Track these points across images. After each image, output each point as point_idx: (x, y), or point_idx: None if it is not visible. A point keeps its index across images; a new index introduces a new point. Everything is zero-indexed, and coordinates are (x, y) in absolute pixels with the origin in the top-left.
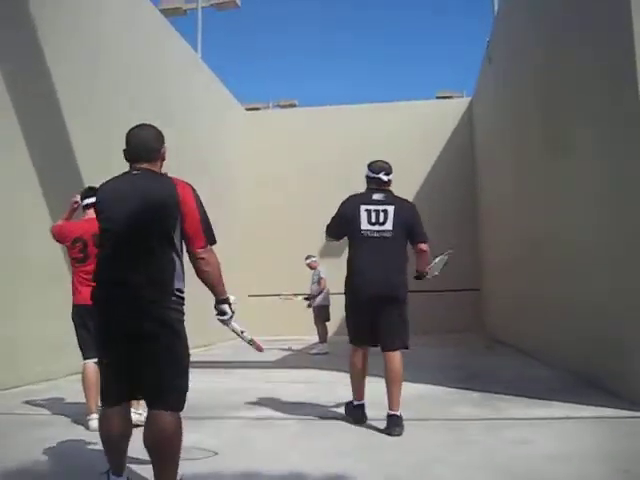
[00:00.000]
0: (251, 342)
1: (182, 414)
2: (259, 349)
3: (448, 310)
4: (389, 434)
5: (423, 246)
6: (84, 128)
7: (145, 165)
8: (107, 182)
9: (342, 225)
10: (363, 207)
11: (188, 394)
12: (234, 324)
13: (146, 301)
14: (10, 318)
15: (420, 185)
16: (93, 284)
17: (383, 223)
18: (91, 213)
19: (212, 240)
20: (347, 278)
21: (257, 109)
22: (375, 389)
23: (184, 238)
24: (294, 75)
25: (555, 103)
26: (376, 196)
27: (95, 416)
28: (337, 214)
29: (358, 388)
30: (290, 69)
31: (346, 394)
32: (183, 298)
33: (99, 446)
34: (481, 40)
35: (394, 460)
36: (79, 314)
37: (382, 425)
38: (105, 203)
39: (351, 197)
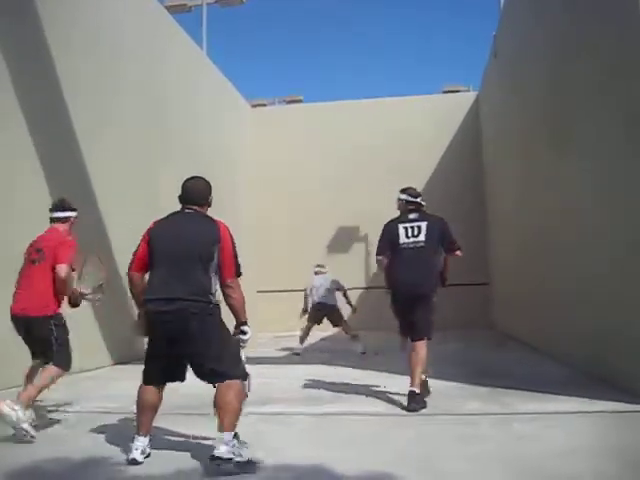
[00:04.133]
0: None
1: (195, 411)
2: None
3: (458, 306)
4: (406, 409)
5: (458, 253)
6: (86, 128)
7: (195, 208)
8: (164, 218)
9: (388, 242)
10: (401, 225)
11: (201, 391)
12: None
13: (192, 309)
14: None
15: (428, 178)
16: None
17: (417, 236)
18: (57, 226)
19: (239, 272)
20: (388, 282)
21: (263, 105)
22: (389, 385)
23: (219, 268)
24: (299, 70)
25: (562, 99)
26: (411, 216)
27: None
28: (383, 235)
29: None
30: (295, 64)
31: (355, 390)
32: (218, 305)
33: (97, 445)
34: (488, 34)
35: (403, 454)
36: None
37: (393, 418)
38: (160, 233)
39: (391, 220)
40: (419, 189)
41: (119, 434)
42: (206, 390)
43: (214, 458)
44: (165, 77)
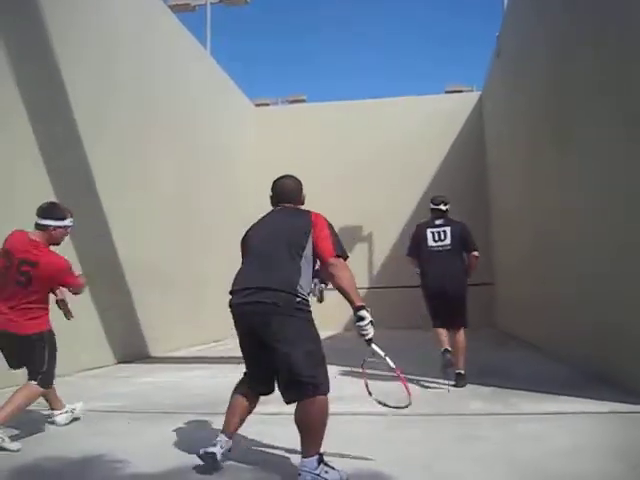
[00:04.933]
0: (393, 369)
1: (200, 410)
2: (406, 390)
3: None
4: (455, 386)
5: (475, 253)
6: (85, 126)
7: (285, 205)
8: (257, 221)
9: (416, 245)
10: (429, 230)
11: (204, 390)
12: (375, 346)
13: (274, 299)
14: None
15: (431, 179)
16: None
17: (444, 240)
18: (39, 235)
19: (344, 254)
20: (422, 280)
21: (266, 105)
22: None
23: (316, 252)
24: (302, 70)
25: (564, 98)
26: (437, 222)
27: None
28: (412, 238)
29: (441, 341)
30: (298, 65)
31: (353, 390)
32: (308, 301)
33: (100, 443)
34: (491, 34)
35: (404, 454)
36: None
37: (395, 418)
38: (249, 233)
39: (419, 225)
40: (422, 189)
41: (122, 433)
42: (210, 390)
43: None
44: (168, 76)
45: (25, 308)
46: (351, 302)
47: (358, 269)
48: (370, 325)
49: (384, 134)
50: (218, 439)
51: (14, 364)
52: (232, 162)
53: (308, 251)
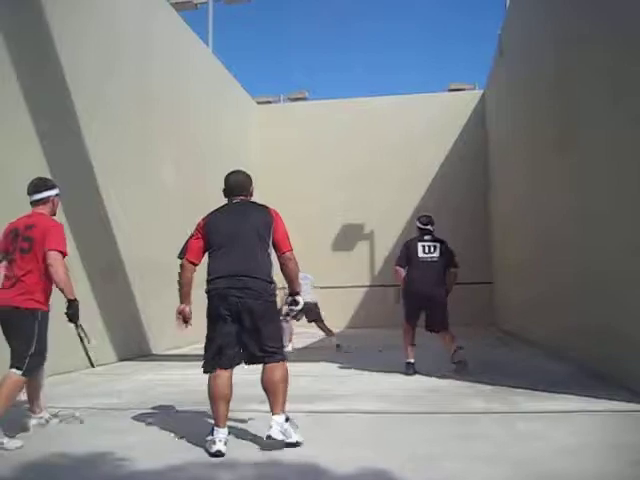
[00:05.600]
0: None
1: (202, 406)
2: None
3: (462, 305)
4: (458, 372)
5: (454, 270)
6: (88, 125)
7: (241, 198)
8: (215, 211)
9: (407, 256)
10: (420, 243)
11: (206, 387)
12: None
13: (253, 286)
14: None
15: (433, 176)
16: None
17: (433, 252)
18: (39, 209)
19: (291, 247)
20: (407, 285)
21: (268, 102)
22: (391, 383)
23: (274, 244)
24: (304, 68)
25: (568, 98)
26: (427, 237)
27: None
28: (404, 250)
29: (408, 351)
30: (300, 61)
31: (356, 387)
32: (276, 285)
33: (102, 440)
34: (493, 31)
35: (405, 453)
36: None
37: (395, 416)
38: (215, 223)
39: (410, 240)
40: (424, 186)
41: (123, 430)
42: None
43: (268, 437)
44: (169, 74)
45: (25, 281)
46: (292, 287)
47: (360, 267)
48: (300, 309)
49: (386, 132)
50: (220, 435)
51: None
52: (234, 159)
53: (270, 243)
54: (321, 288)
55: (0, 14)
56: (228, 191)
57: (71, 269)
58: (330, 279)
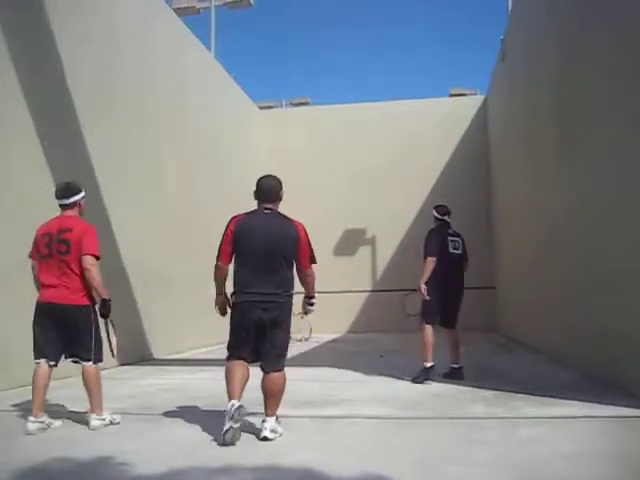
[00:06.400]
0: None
1: (204, 413)
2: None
3: (463, 308)
4: (447, 377)
5: (466, 263)
6: (90, 126)
7: (270, 205)
8: (244, 216)
9: (439, 248)
10: (449, 238)
11: (210, 392)
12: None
13: (274, 302)
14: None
15: (435, 181)
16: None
17: (458, 249)
18: (69, 213)
19: (314, 261)
20: (438, 282)
21: (270, 107)
22: (393, 388)
23: (296, 260)
24: (306, 73)
25: (571, 101)
26: (450, 231)
27: (33, 419)
28: (435, 242)
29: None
30: (302, 67)
31: (358, 392)
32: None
33: (101, 445)
34: (495, 37)
35: (407, 458)
36: (42, 312)
37: (397, 422)
38: (245, 232)
39: (439, 231)
40: (425, 192)
41: (125, 435)
42: (214, 392)
43: (264, 439)
44: (171, 78)
45: (71, 280)
46: (309, 292)
47: (361, 272)
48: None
49: (388, 137)
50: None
51: (55, 348)
52: (236, 164)
53: (294, 259)
54: (322, 293)
55: (2, 13)
56: (259, 195)
57: None
58: (332, 284)
